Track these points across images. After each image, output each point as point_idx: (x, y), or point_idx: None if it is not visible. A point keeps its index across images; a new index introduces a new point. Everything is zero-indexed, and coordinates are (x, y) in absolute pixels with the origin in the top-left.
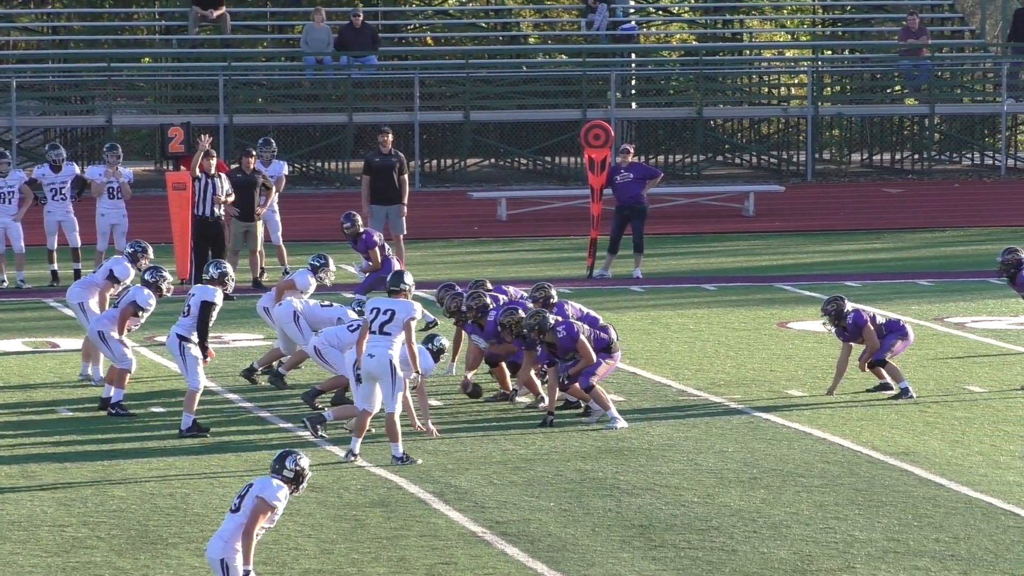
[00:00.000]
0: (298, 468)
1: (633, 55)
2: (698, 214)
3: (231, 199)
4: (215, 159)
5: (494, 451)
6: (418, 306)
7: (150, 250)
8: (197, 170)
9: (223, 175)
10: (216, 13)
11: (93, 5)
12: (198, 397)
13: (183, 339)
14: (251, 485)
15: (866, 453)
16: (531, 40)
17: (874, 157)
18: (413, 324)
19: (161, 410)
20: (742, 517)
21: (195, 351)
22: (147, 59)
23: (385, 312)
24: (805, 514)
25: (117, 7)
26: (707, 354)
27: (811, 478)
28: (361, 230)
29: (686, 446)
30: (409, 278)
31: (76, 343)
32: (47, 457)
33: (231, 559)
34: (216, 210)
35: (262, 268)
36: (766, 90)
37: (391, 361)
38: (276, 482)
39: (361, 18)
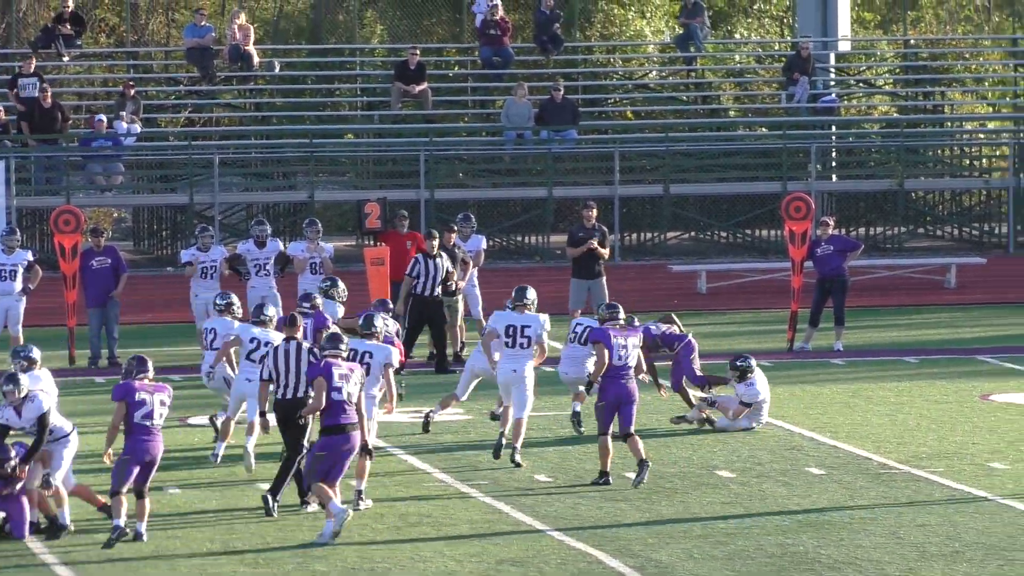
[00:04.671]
0: None
1: (834, 127)
2: (899, 286)
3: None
4: (437, 240)
5: (694, 525)
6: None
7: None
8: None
9: (444, 254)
10: (418, 88)
11: (296, 81)
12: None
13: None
14: None
15: None
16: (731, 113)
17: None
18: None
19: (360, 486)
20: None
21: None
22: (349, 135)
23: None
24: None
25: (320, 83)
26: (909, 427)
27: (1014, 552)
28: None
29: (888, 520)
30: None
31: None
32: (248, 532)
33: None
34: (437, 290)
35: (462, 343)
36: (967, 162)
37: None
38: None
39: (562, 92)
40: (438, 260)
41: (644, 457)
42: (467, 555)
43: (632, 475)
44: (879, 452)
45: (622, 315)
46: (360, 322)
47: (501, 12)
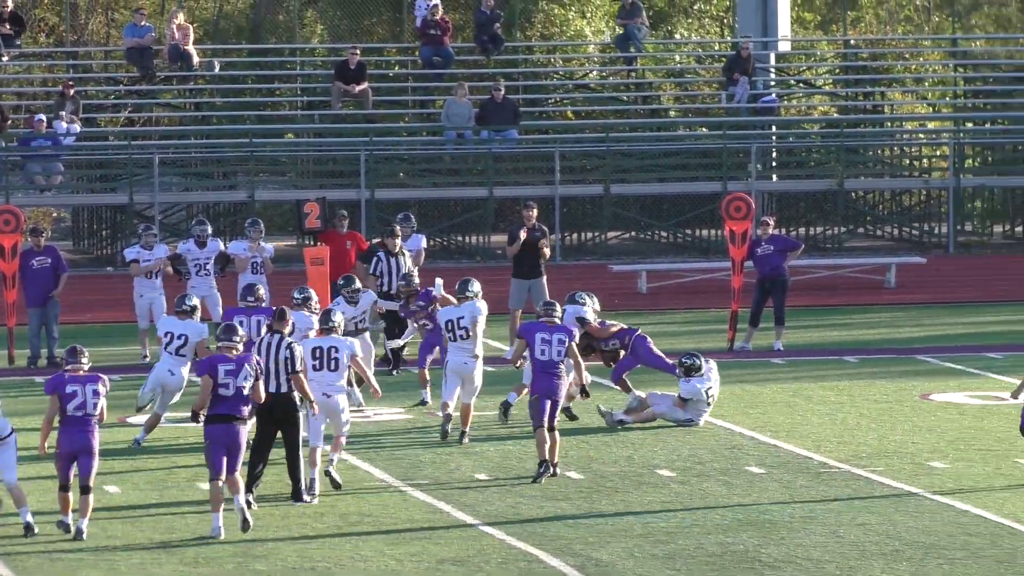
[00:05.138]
0: None
1: (774, 127)
2: (839, 286)
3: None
4: (399, 237)
5: (635, 523)
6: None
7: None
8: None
9: (407, 253)
10: (358, 88)
11: (236, 81)
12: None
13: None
14: None
15: (1009, 525)
16: (672, 113)
17: (1016, 229)
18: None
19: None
20: None
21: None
22: (289, 134)
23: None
24: None
25: (260, 83)
26: (849, 426)
27: (954, 551)
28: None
29: (828, 518)
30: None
31: None
32: (188, 531)
33: None
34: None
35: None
36: (907, 162)
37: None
38: None
39: (502, 92)
40: (400, 258)
41: (546, 458)
42: (408, 554)
43: (576, 474)
44: (819, 451)
45: (558, 312)
46: (319, 319)
47: (441, 12)
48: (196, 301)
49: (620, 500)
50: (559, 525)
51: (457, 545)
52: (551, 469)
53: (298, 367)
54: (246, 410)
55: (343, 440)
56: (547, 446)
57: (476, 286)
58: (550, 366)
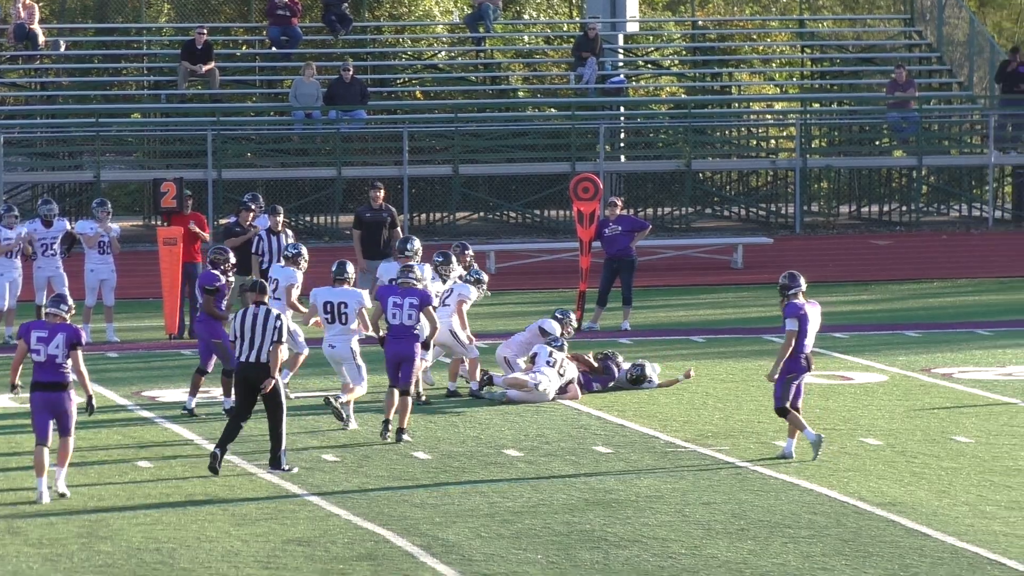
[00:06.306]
0: None
1: (622, 108)
2: (686, 266)
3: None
4: (281, 216)
5: (482, 503)
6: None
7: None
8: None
9: (288, 231)
10: (205, 68)
11: (82, 60)
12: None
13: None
14: None
15: (853, 504)
16: (520, 94)
17: (862, 209)
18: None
19: (148, 464)
20: (730, 569)
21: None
22: (136, 114)
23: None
24: (792, 565)
25: (106, 62)
26: (695, 406)
27: (798, 529)
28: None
29: (674, 498)
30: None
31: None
32: (34, 512)
33: None
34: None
35: None
36: (755, 143)
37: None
38: None
39: (351, 72)
40: (282, 236)
41: (388, 418)
42: (254, 535)
43: (423, 455)
44: (666, 431)
45: (415, 274)
46: (333, 268)
47: None
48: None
49: (467, 480)
50: (406, 505)
51: (303, 525)
52: (393, 432)
53: (283, 338)
54: (67, 376)
55: (355, 388)
56: (393, 409)
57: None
58: (402, 330)
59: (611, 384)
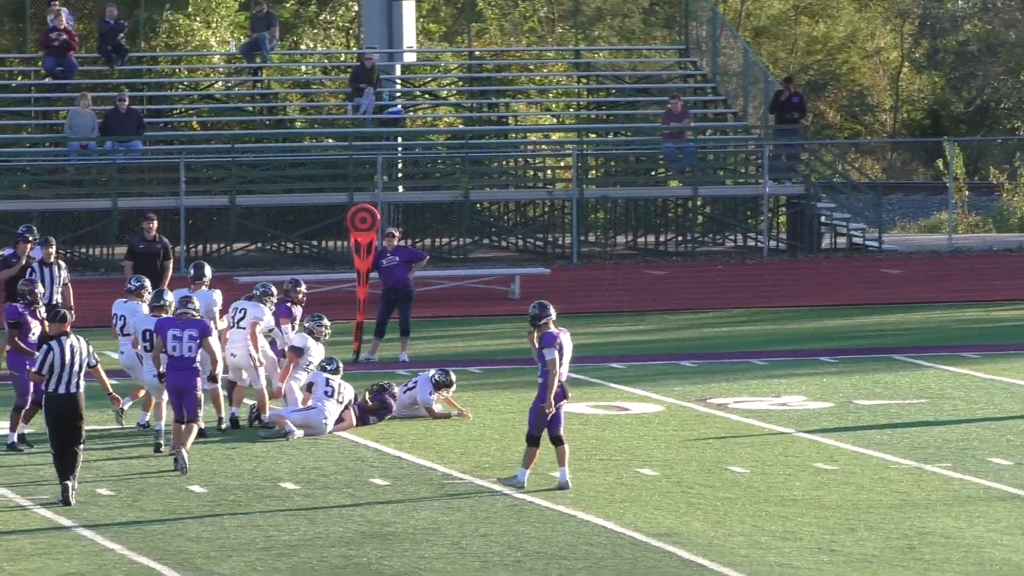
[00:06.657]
0: None
1: (400, 139)
2: (465, 297)
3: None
4: (53, 247)
5: (258, 537)
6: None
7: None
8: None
9: (62, 263)
10: None
11: None
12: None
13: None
14: None
15: (629, 535)
16: (298, 124)
17: (638, 239)
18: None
19: None
20: None
21: None
22: None
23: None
24: None
25: None
26: (472, 437)
27: (575, 560)
28: None
29: (451, 530)
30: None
31: None
32: None
33: None
34: (57, 297)
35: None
36: (532, 173)
37: None
38: None
39: (127, 103)
40: (54, 268)
41: (182, 447)
42: (27, 570)
43: (199, 488)
44: (443, 462)
45: (194, 305)
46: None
47: (66, 22)
48: None
49: (243, 513)
50: (181, 539)
51: (78, 560)
52: (182, 456)
53: (94, 361)
54: None
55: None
56: (179, 437)
57: (209, 270)
58: (182, 362)
59: (388, 416)
